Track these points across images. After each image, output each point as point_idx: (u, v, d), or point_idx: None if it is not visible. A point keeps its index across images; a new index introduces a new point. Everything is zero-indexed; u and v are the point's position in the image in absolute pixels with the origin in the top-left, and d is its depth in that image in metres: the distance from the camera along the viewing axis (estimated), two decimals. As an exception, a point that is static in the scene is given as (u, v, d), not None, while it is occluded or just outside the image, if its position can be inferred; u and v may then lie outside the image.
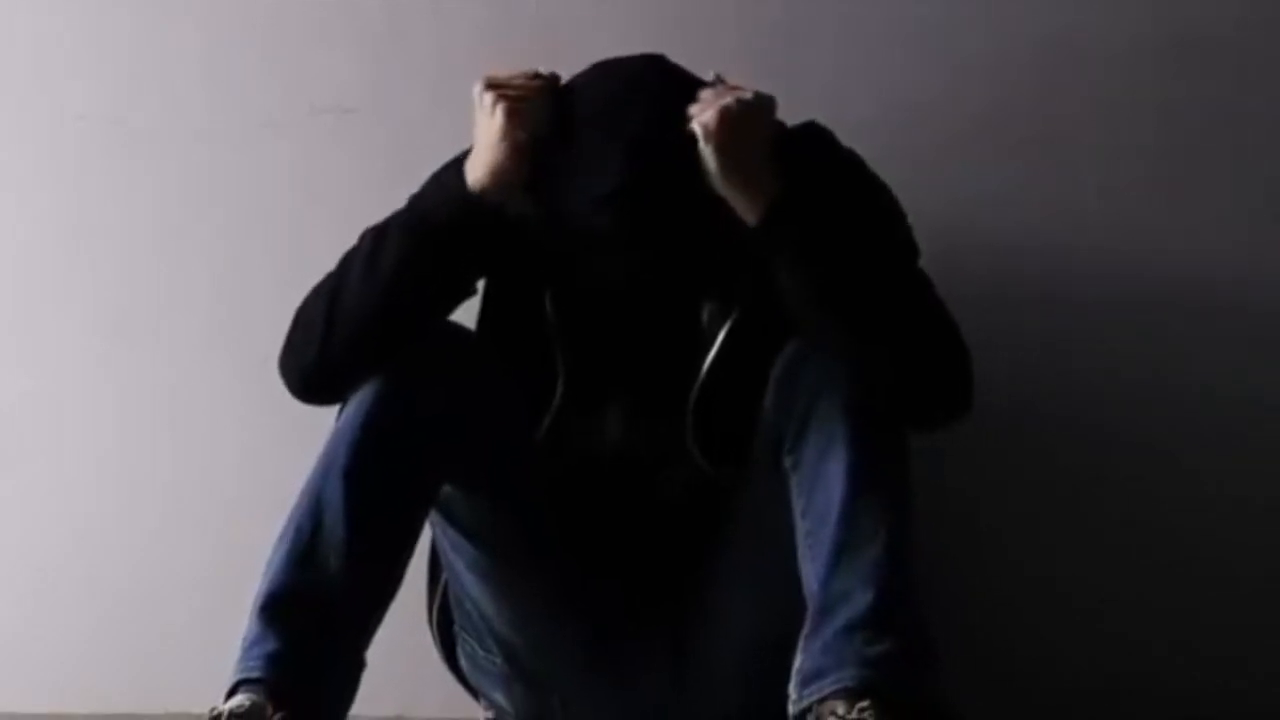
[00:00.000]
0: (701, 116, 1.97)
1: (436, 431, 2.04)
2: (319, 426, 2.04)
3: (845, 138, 2.18)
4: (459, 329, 2.12)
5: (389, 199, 2.15)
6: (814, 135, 2.13)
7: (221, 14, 2.69)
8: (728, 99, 1.98)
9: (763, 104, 2.01)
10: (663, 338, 2.19)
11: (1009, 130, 2.63)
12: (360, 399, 2.02)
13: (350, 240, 2.11)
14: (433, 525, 2.19)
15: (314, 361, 2.06)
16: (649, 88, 2.03)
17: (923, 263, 2.13)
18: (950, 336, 2.06)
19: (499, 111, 2.01)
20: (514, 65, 2.60)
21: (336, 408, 2.05)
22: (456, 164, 2.08)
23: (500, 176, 2.02)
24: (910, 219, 2.17)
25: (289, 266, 2.15)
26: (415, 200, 2.09)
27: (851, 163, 2.16)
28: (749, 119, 1.98)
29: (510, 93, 2.02)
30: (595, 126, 2.00)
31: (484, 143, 2.03)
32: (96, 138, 2.69)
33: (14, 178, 2.71)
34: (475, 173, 2.03)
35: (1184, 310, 2.62)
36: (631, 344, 2.20)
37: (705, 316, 2.17)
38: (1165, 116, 2.62)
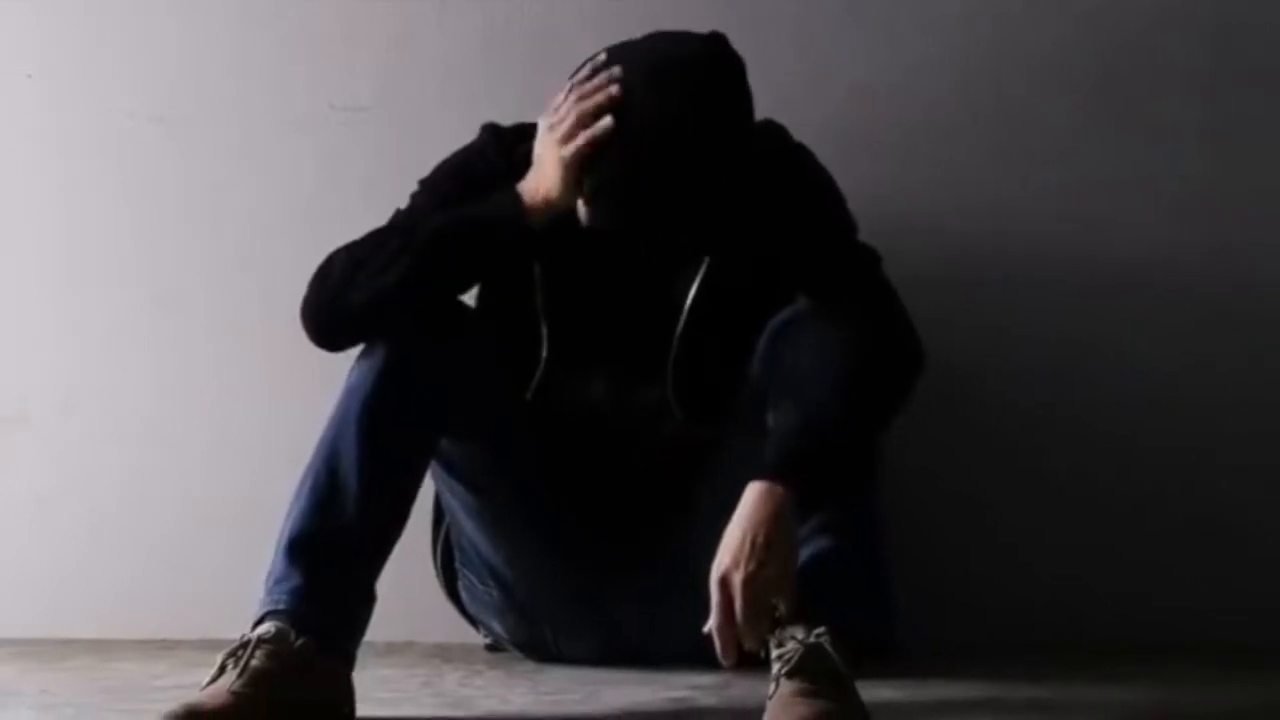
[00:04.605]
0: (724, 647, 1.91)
1: (438, 390, 2.04)
2: (334, 385, 2.04)
3: (804, 132, 2.22)
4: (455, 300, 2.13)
5: (398, 186, 2.19)
6: (770, 132, 2.18)
7: (250, 23, 2.71)
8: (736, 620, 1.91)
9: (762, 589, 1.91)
10: (640, 306, 2.22)
11: (957, 125, 2.66)
12: (369, 360, 2.03)
13: (362, 222, 2.12)
14: (433, 473, 2.21)
15: (337, 314, 2.05)
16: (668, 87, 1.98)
17: (877, 244, 2.17)
18: (897, 313, 2.11)
19: (571, 164, 1.98)
20: (512, 69, 2.64)
21: (348, 370, 2.04)
22: (501, 167, 2.09)
23: (555, 210, 2.03)
24: (857, 203, 2.20)
25: (310, 247, 2.12)
26: (480, 211, 2.07)
27: (800, 155, 2.20)
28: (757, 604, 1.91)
29: (567, 128, 1.99)
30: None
31: (541, 178, 2.02)
32: (142, 134, 2.71)
33: (71, 170, 2.74)
34: (532, 198, 2.03)
35: (1110, 289, 2.64)
36: (612, 313, 2.23)
37: (676, 286, 2.20)
38: (1089, 114, 2.65)
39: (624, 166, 1.97)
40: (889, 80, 2.66)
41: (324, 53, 2.71)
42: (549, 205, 2.03)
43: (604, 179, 1.99)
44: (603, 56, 2.03)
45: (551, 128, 2.02)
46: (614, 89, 1.98)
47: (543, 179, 2.03)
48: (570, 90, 2.02)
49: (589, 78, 2.01)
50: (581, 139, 1.98)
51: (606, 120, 1.97)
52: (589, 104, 1.99)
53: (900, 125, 2.66)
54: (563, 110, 2.01)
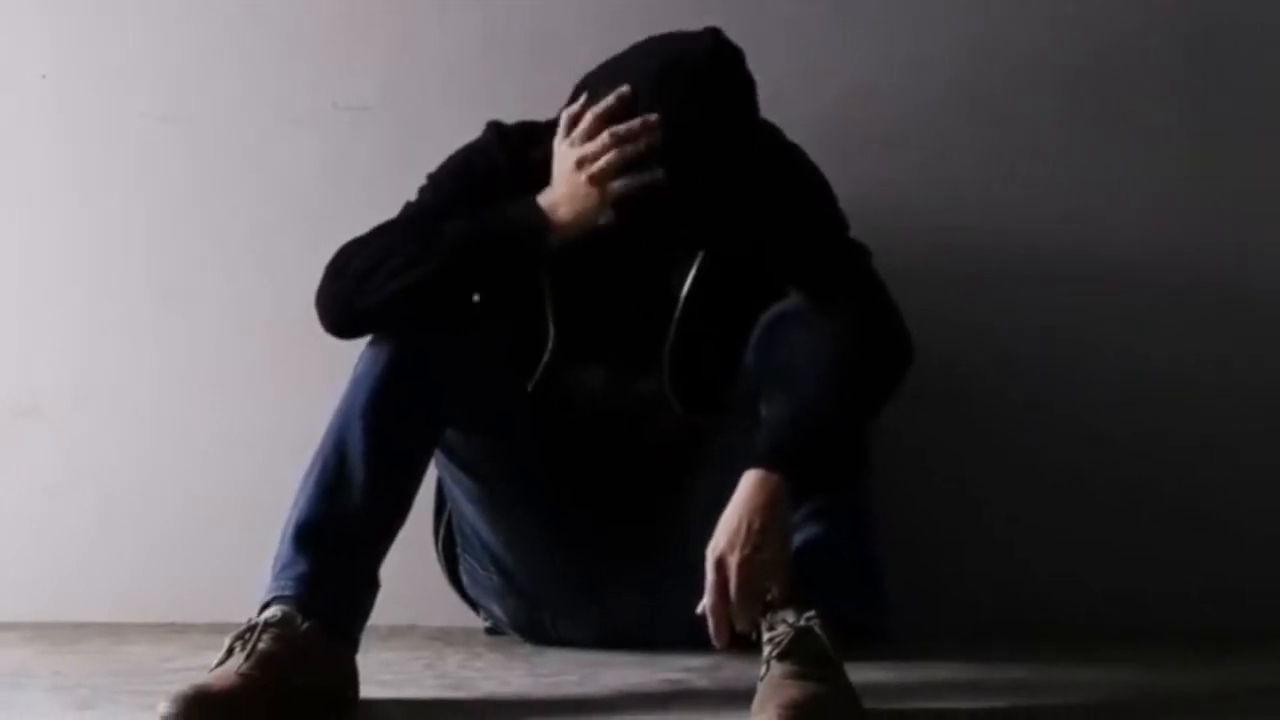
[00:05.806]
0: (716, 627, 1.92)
1: (442, 381, 2.05)
2: (338, 379, 2.06)
3: (796, 131, 2.24)
4: None
5: (401, 184, 2.20)
6: (763, 130, 2.18)
7: (255, 24, 2.72)
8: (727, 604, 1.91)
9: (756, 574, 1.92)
10: (637, 298, 2.24)
11: (947, 123, 2.67)
12: (375, 351, 2.04)
13: (366, 218, 2.13)
14: (436, 460, 2.22)
15: (349, 310, 2.05)
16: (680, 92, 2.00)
17: (868, 240, 2.19)
18: (887, 307, 2.12)
19: (595, 191, 2.00)
20: (513, 67, 2.64)
21: (355, 361, 2.05)
22: (521, 181, 2.08)
23: (580, 229, 2.04)
24: (848, 200, 2.23)
25: (314, 243, 2.15)
26: (501, 225, 2.06)
27: (792, 153, 2.22)
28: (751, 586, 1.92)
29: (604, 166, 2.00)
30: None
31: (572, 202, 2.03)
32: (152, 133, 2.72)
33: (82, 168, 2.75)
34: (559, 218, 2.03)
35: (1101, 284, 2.65)
36: (612, 305, 2.24)
37: (672, 278, 2.22)
38: (1076, 112, 2.67)
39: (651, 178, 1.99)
40: (880, 80, 2.67)
41: (327, 52, 2.72)
42: (579, 225, 2.03)
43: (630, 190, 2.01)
44: (626, 88, 2.01)
45: (581, 162, 2.02)
46: (656, 134, 1.98)
47: (574, 201, 2.02)
48: (595, 118, 2.02)
49: (614, 108, 2.01)
50: (634, 183, 1.99)
51: (659, 173, 1.98)
52: (630, 149, 1.99)
53: (891, 124, 2.67)
54: (598, 145, 2.01)
